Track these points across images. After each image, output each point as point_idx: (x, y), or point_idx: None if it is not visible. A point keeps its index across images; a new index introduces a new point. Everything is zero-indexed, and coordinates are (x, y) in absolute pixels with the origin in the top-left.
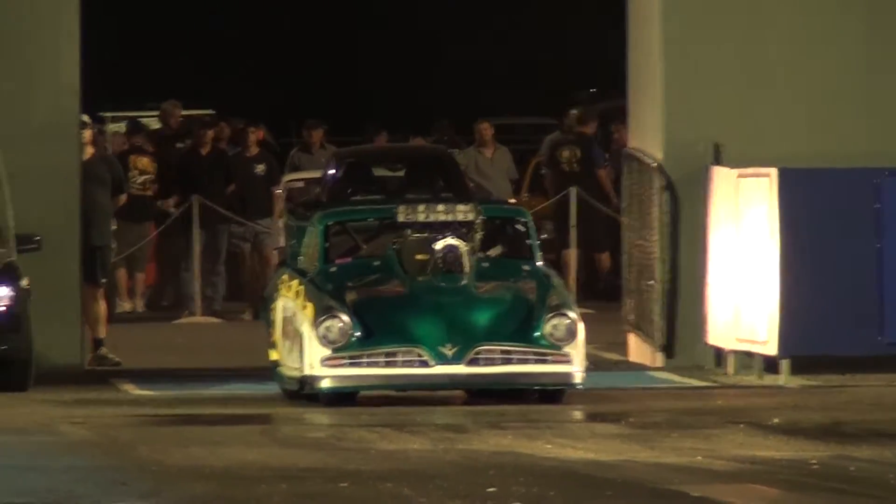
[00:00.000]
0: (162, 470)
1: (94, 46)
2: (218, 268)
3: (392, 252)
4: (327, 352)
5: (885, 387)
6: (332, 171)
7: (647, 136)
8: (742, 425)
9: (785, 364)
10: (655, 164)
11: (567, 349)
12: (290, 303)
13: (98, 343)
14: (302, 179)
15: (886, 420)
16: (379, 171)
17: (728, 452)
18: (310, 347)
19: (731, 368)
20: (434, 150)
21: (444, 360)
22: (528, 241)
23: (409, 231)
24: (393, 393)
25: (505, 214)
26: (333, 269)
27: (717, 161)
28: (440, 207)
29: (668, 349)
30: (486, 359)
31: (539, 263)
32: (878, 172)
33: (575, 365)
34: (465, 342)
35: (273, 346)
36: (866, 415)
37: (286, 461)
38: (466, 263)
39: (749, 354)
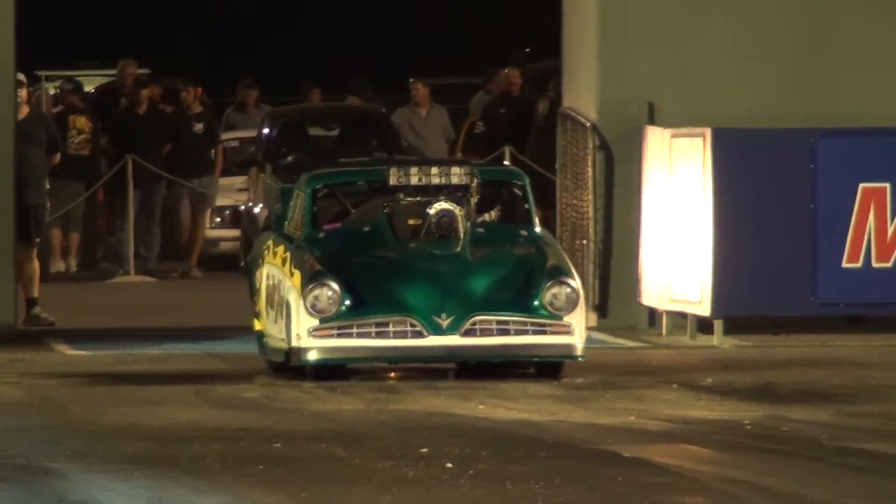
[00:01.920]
0: (95, 429)
1: (30, 4)
2: (152, 227)
3: (383, 217)
4: (315, 322)
5: (819, 347)
6: (266, 131)
7: (581, 95)
8: (675, 386)
9: (718, 325)
10: (589, 124)
11: (567, 319)
12: (275, 270)
13: (31, 303)
14: (237, 139)
15: (819, 381)
16: (314, 131)
17: (661, 413)
18: (297, 317)
19: (664, 329)
20: (368, 109)
21: (438, 330)
22: (525, 206)
23: (400, 195)
24: (384, 365)
25: (501, 177)
26: (321, 234)
27: (652, 121)
28: (434, 170)
29: (602, 309)
30: (483, 329)
31: (537, 229)
32: (812, 133)
33: (576, 336)
34: (461, 312)
35: (257, 315)
36: (799, 375)
37: (220, 421)
38: (461, 229)
39: (682, 315)
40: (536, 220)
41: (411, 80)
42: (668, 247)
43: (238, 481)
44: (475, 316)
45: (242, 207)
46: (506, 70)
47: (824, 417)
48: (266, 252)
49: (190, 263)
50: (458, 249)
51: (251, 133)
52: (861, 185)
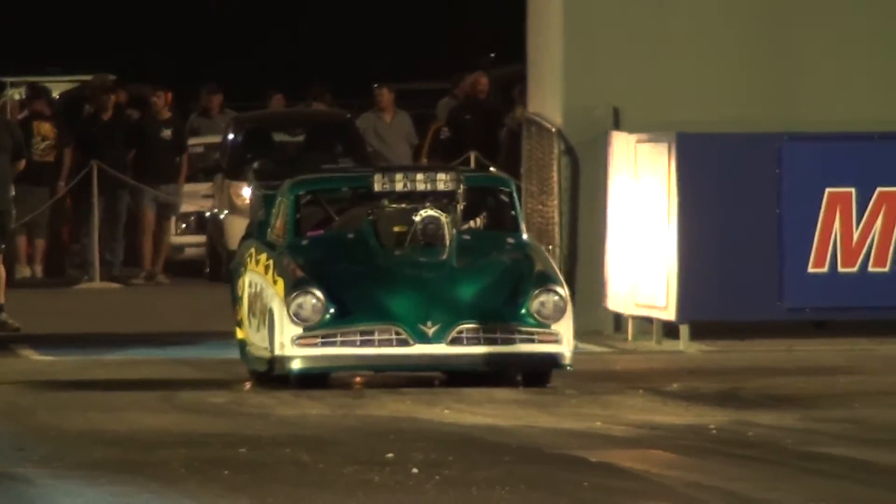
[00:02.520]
0: (61, 435)
1: None
2: (117, 233)
3: (368, 224)
4: (299, 330)
5: (784, 352)
6: (231, 137)
7: (546, 100)
8: (641, 391)
9: (684, 329)
10: (555, 129)
11: (555, 327)
12: (257, 278)
13: None
14: (202, 144)
15: (785, 385)
16: (278, 137)
17: (627, 418)
18: (280, 325)
19: (630, 334)
20: (333, 115)
21: (424, 338)
22: (512, 212)
23: (385, 201)
24: (369, 374)
25: (488, 183)
26: (305, 241)
27: (617, 126)
28: (419, 176)
29: None
30: (469, 338)
31: (524, 236)
32: (777, 137)
33: (564, 344)
34: (447, 320)
35: (239, 324)
36: (765, 380)
37: (185, 426)
38: (447, 236)
39: (648, 320)
40: (523, 227)
41: (376, 85)
42: (633, 251)
43: (204, 486)
44: (461, 324)
45: (208, 214)
46: (473, 75)
47: (790, 422)
48: (248, 259)
49: (156, 269)
50: (444, 257)
51: (216, 139)
52: (827, 190)
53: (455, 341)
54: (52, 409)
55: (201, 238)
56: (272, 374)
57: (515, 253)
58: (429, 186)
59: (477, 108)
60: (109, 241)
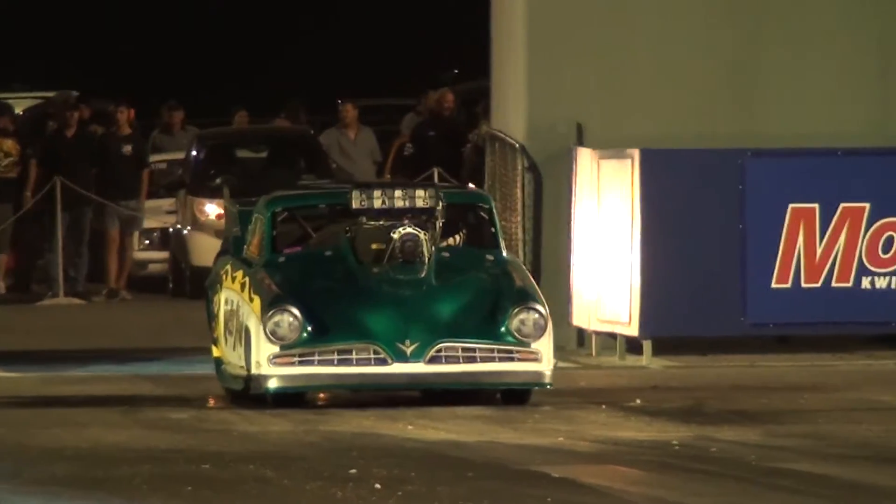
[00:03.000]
0: (23, 451)
1: None
2: (81, 249)
3: (345, 241)
4: (275, 349)
5: (747, 367)
6: (195, 153)
7: (509, 116)
8: (604, 406)
9: (647, 345)
10: (518, 145)
11: (535, 346)
12: (233, 295)
13: None
14: (165, 161)
15: (748, 401)
16: (242, 153)
17: (590, 433)
18: (257, 344)
19: (593, 349)
20: (296, 131)
21: (402, 357)
22: (492, 229)
23: (363, 218)
24: (346, 394)
25: (467, 200)
26: (282, 259)
27: (581, 142)
28: (397, 193)
29: None
30: (448, 356)
31: (504, 253)
32: (740, 153)
33: (544, 363)
34: (426, 338)
35: (215, 341)
36: (728, 396)
37: (148, 442)
38: (426, 253)
39: (612, 335)
40: (503, 244)
41: (340, 101)
42: (597, 267)
43: (166, 502)
44: (440, 343)
45: (171, 229)
46: (439, 92)
47: (753, 438)
48: (224, 276)
49: (119, 285)
50: (423, 274)
51: (179, 155)
52: (790, 206)
53: (434, 360)
54: (15, 425)
55: (164, 254)
56: (248, 394)
57: (495, 270)
58: (407, 203)
59: (440, 125)
60: (73, 257)
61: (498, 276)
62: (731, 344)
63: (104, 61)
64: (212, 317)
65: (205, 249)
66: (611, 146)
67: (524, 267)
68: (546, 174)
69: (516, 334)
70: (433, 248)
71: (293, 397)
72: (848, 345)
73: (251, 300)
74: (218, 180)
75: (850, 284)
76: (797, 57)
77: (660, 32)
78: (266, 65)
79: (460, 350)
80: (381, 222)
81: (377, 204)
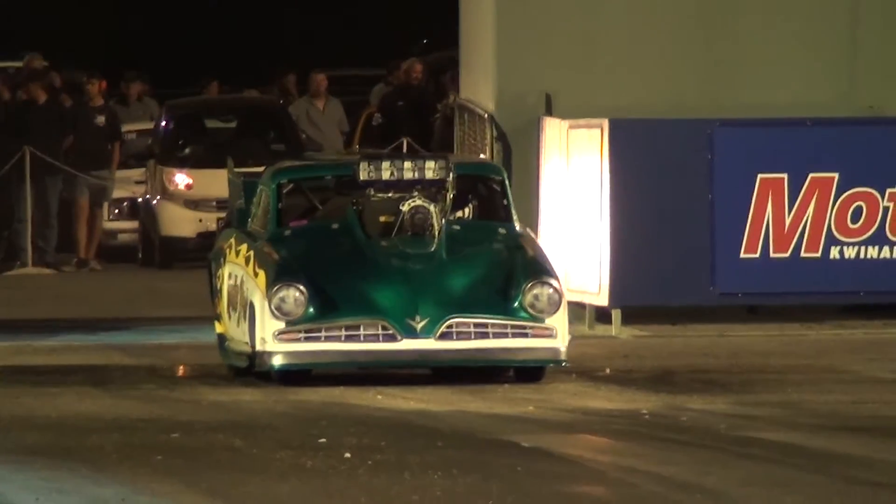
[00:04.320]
0: None
1: None
2: (50, 220)
3: (353, 214)
4: (281, 325)
5: (717, 337)
6: (164, 123)
7: (478, 86)
8: (574, 376)
9: (616, 315)
10: (487, 115)
11: (549, 321)
12: (237, 269)
13: None
14: (134, 131)
15: (718, 370)
16: (211, 123)
17: (560, 403)
18: (261, 320)
19: None
20: (266, 101)
21: (412, 333)
22: (504, 202)
23: (371, 190)
24: (361, 371)
25: (478, 172)
26: (287, 232)
27: (549, 112)
28: (406, 164)
29: None
30: (460, 332)
31: (517, 226)
32: (710, 123)
33: (559, 339)
34: (436, 314)
35: (218, 317)
36: (698, 365)
37: (118, 411)
38: (436, 226)
39: (581, 305)
40: (515, 217)
41: (312, 71)
42: (565, 237)
43: (136, 471)
44: (451, 318)
45: (140, 199)
46: (408, 62)
47: (722, 407)
48: (228, 250)
49: (88, 255)
50: (433, 248)
51: (148, 125)
52: (759, 176)
53: (444, 336)
54: None
55: (134, 224)
56: (252, 370)
57: (507, 243)
58: (417, 175)
59: (409, 95)
60: (42, 227)
61: (511, 249)
62: (700, 313)
63: (75, 30)
64: (215, 292)
65: (174, 219)
66: (580, 116)
67: (537, 240)
68: (515, 144)
69: (530, 310)
70: (443, 220)
71: (299, 374)
72: (817, 314)
73: (256, 275)
74: (186, 150)
75: (818, 254)
76: (767, 27)
77: (629, 2)
78: (236, 35)
79: (472, 326)
80: (390, 194)
81: (386, 175)
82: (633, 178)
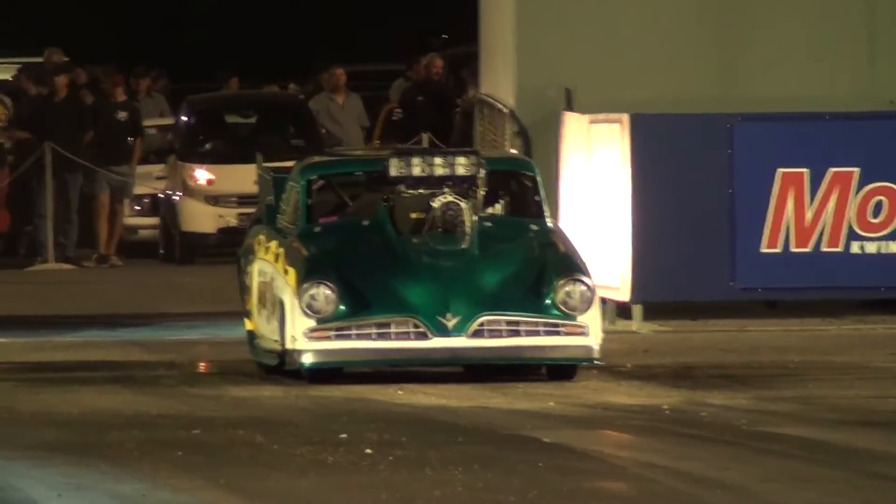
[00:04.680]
0: (13, 417)
1: None
2: (71, 215)
3: (384, 210)
4: (312, 322)
5: (737, 332)
6: (184, 119)
7: (498, 81)
8: (594, 371)
9: (637, 309)
10: (507, 110)
11: (582, 319)
12: (267, 266)
13: None
14: (154, 126)
15: (738, 365)
16: (231, 118)
17: (581, 398)
18: (292, 317)
19: None
20: (285, 96)
21: (443, 331)
22: (536, 198)
23: (402, 187)
24: (386, 369)
25: (510, 167)
26: (317, 229)
27: (570, 107)
28: (437, 160)
29: None
30: (491, 330)
31: (549, 222)
32: (730, 117)
33: (591, 337)
34: (468, 312)
35: (248, 314)
36: (718, 360)
37: (138, 407)
38: (467, 223)
39: (602, 300)
40: (547, 213)
41: (331, 66)
42: (586, 232)
43: (156, 467)
44: (483, 316)
45: (161, 195)
46: (428, 57)
47: (743, 402)
48: (257, 247)
49: (109, 251)
50: (465, 245)
51: (169, 121)
52: (780, 171)
53: (476, 334)
54: (4, 390)
55: (155, 220)
56: (283, 369)
57: (539, 240)
58: (448, 171)
59: (429, 90)
60: (63, 223)
61: (543, 246)
62: (720, 308)
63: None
64: (244, 288)
65: (195, 215)
66: (600, 111)
67: (569, 237)
68: (535, 139)
69: (562, 307)
70: (475, 217)
71: (329, 373)
72: (837, 309)
73: (286, 272)
74: (206, 146)
75: (839, 249)
76: (787, 20)
77: None
78: (256, 31)
79: (504, 324)
80: (421, 190)
81: (417, 171)
82: (654, 172)
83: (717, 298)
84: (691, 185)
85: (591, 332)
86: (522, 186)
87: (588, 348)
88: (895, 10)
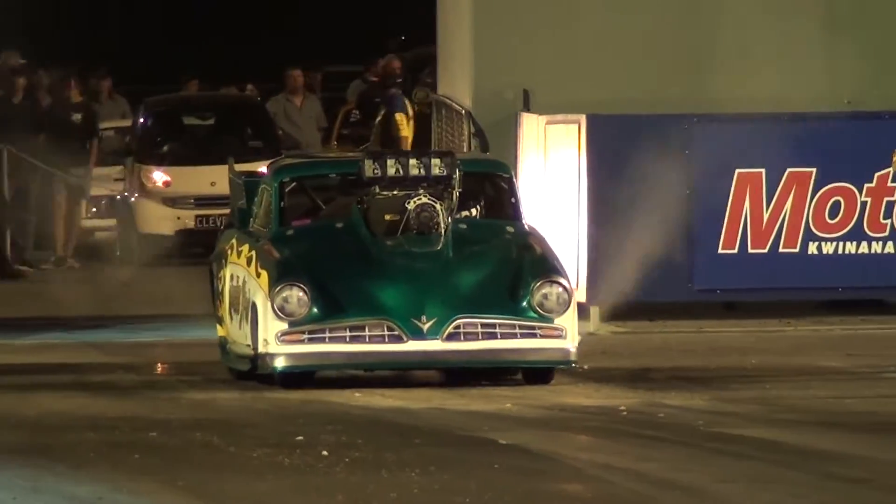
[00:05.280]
0: None
1: None
2: (28, 217)
3: (357, 212)
4: (284, 326)
5: (695, 333)
6: (141, 120)
7: (456, 82)
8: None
9: (594, 311)
10: (464, 111)
11: (559, 321)
12: (239, 270)
13: None
14: (112, 128)
15: (695, 366)
16: (189, 120)
17: (538, 400)
18: (264, 321)
19: None
20: (243, 98)
21: (418, 334)
22: (511, 199)
23: (376, 188)
24: (360, 373)
25: (485, 169)
26: (290, 231)
27: (527, 108)
28: (412, 161)
29: None
30: (467, 333)
31: (525, 224)
32: (687, 118)
33: (568, 340)
34: (443, 314)
35: (220, 320)
36: (675, 361)
37: (95, 410)
38: (442, 224)
39: None
40: (524, 215)
41: (289, 68)
42: (544, 233)
43: (114, 469)
44: (458, 318)
45: (118, 197)
46: (386, 58)
47: (700, 403)
48: (229, 251)
49: (66, 253)
50: (440, 247)
51: (126, 123)
52: (737, 171)
53: (452, 337)
54: None
55: (112, 222)
56: (255, 373)
57: (515, 242)
58: (422, 172)
59: (386, 91)
60: (20, 225)
61: (519, 248)
62: (678, 310)
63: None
64: (216, 294)
65: (152, 217)
66: (557, 112)
67: (546, 239)
68: (493, 140)
69: (539, 309)
70: (450, 218)
71: (301, 377)
72: (795, 310)
73: (258, 275)
74: (164, 147)
75: (797, 250)
76: (745, 23)
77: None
78: (217, 32)
79: (480, 326)
80: (395, 192)
81: (391, 172)
82: (611, 173)
83: (675, 299)
84: (648, 186)
85: (567, 335)
86: (498, 188)
87: (565, 351)
88: (853, 14)
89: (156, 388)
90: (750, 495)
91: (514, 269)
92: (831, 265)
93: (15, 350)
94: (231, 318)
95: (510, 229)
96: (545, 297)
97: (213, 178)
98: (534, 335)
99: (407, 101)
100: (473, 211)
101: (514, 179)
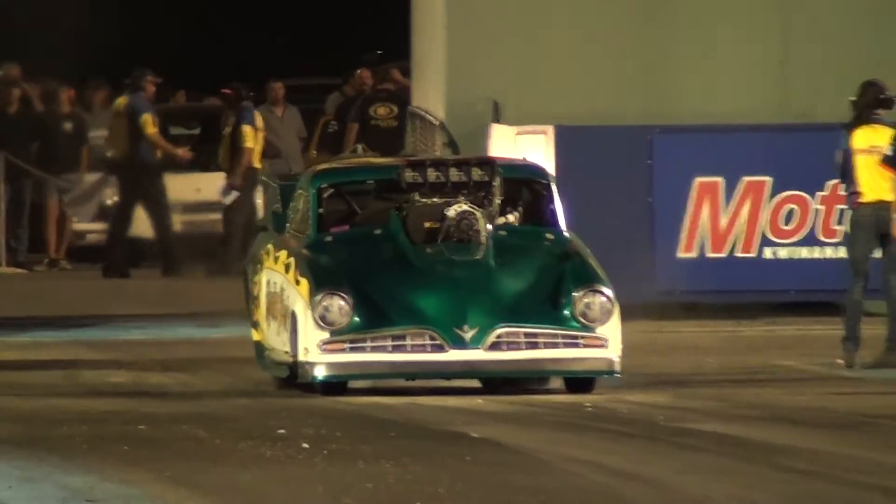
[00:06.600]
0: None
1: None
2: (22, 221)
3: (397, 219)
4: (325, 335)
5: (656, 333)
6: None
7: (429, 94)
8: None
9: None
10: (438, 122)
11: (601, 331)
12: (277, 276)
13: None
14: (102, 137)
15: (657, 364)
16: (175, 130)
17: (508, 396)
18: (304, 329)
19: None
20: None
21: (460, 343)
22: (550, 205)
23: (415, 195)
24: (401, 382)
25: (524, 174)
26: (329, 238)
27: (498, 119)
28: (452, 168)
29: None
30: (510, 343)
31: (565, 231)
32: (650, 129)
33: (611, 349)
34: (485, 323)
35: (255, 325)
36: (638, 359)
37: (87, 404)
38: (483, 232)
39: None
40: (563, 222)
41: (270, 80)
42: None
43: (104, 461)
44: (500, 328)
45: (109, 202)
46: (358, 71)
47: (661, 399)
48: (265, 256)
49: (59, 255)
50: (480, 255)
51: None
52: (696, 180)
53: (494, 346)
54: None
55: (102, 226)
56: (295, 382)
57: (556, 249)
58: (463, 178)
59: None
60: (15, 229)
61: (560, 256)
62: (641, 310)
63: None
64: (251, 299)
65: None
66: (526, 123)
67: (587, 246)
68: (464, 149)
69: (581, 319)
70: (490, 226)
71: (341, 386)
72: (751, 312)
73: (297, 282)
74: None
75: (753, 254)
76: (705, 39)
77: (576, 12)
78: (197, 43)
79: (522, 336)
80: (435, 199)
81: (431, 179)
82: (578, 181)
83: (637, 301)
84: (613, 194)
85: (610, 345)
86: (537, 194)
87: (609, 361)
88: (807, 31)
89: (144, 384)
90: (708, 486)
91: (556, 278)
92: (786, 269)
93: (10, 347)
94: (268, 325)
95: (550, 236)
96: (588, 306)
97: (199, 186)
98: (577, 345)
99: (256, 114)
100: (511, 217)
101: (553, 185)
